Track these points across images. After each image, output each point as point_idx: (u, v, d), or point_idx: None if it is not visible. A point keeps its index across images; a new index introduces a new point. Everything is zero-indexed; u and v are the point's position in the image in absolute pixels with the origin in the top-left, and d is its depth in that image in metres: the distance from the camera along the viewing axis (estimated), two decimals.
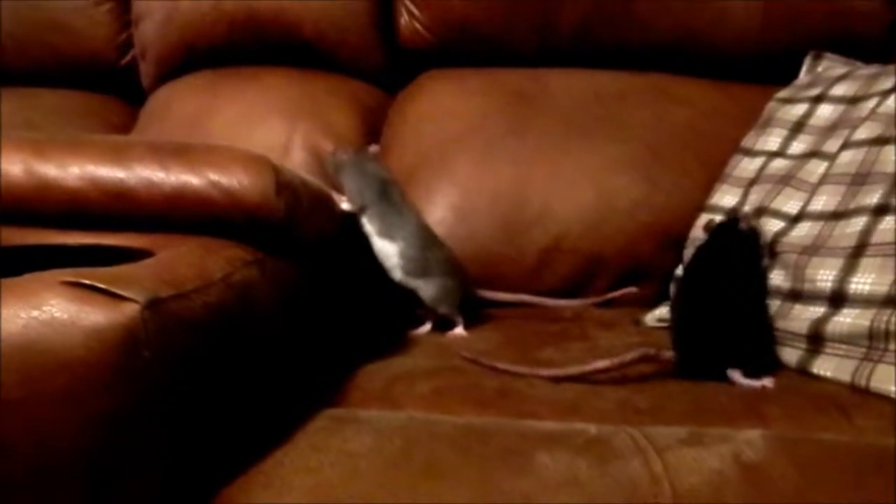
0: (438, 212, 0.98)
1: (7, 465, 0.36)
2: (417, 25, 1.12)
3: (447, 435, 0.49)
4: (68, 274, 0.38)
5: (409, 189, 1.02)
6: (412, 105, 1.11)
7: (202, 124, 1.11)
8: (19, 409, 0.35)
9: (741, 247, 0.72)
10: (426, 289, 0.82)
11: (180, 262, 0.46)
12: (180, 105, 1.16)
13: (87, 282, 0.37)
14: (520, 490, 0.40)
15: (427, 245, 0.83)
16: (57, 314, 0.36)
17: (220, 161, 0.57)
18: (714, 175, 0.95)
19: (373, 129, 1.12)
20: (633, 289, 0.90)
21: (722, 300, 0.66)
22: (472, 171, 1.00)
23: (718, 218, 0.95)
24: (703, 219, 0.98)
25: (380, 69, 1.18)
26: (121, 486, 0.39)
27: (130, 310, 0.37)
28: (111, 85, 1.29)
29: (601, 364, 0.61)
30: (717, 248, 0.73)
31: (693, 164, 0.98)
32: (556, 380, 0.61)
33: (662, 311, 0.88)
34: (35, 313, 0.36)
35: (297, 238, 0.64)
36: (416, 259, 0.82)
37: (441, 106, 1.08)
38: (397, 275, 0.82)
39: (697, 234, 0.95)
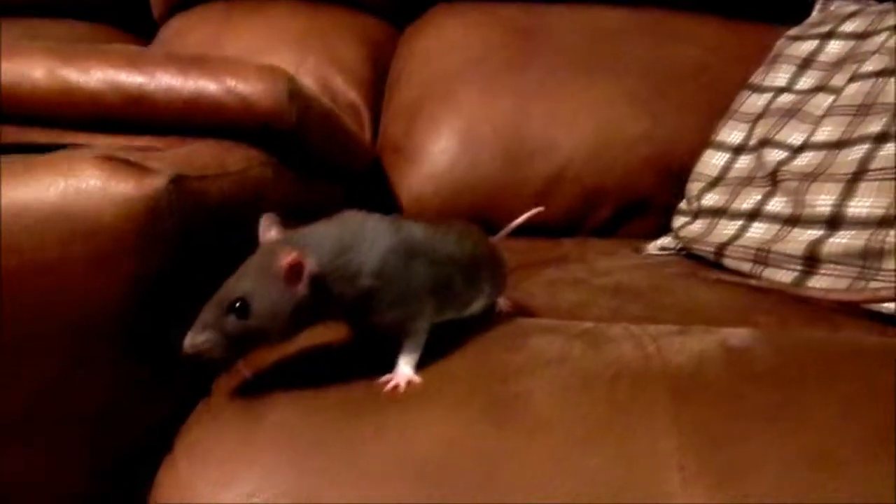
0: (444, 142, 1.00)
1: (45, 322, 0.39)
2: None
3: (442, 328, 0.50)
4: (101, 149, 0.40)
5: (415, 120, 1.04)
6: (418, 39, 1.12)
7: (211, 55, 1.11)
8: (56, 269, 0.38)
9: None
10: None
11: (202, 153, 0.48)
12: (189, 36, 1.16)
13: (121, 156, 0.40)
14: (512, 363, 0.43)
15: None
16: (92, 183, 0.38)
17: (236, 69, 0.59)
18: (717, 111, 0.96)
19: (381, 63, 1.13)
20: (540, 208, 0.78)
21: None
22: (475, 102, 1.01)
23: (723, 154, 0.96)
24: (709, 154, 0.99)
25: (388, 3, 1.18)
26: (147, 346, 0.42)
27: (158, 182, 0.40)
28: (120, 16, 1.29)
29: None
30: None
31: (695, 99, 0.98)
32: None
33: (665, 241, 0.90)
34: (72, 181, 0.38)
35: (308, 149, 0.66)
36: None
37: (445, 40, 1.08)
38: None
39: (703, 168, 0.97)
